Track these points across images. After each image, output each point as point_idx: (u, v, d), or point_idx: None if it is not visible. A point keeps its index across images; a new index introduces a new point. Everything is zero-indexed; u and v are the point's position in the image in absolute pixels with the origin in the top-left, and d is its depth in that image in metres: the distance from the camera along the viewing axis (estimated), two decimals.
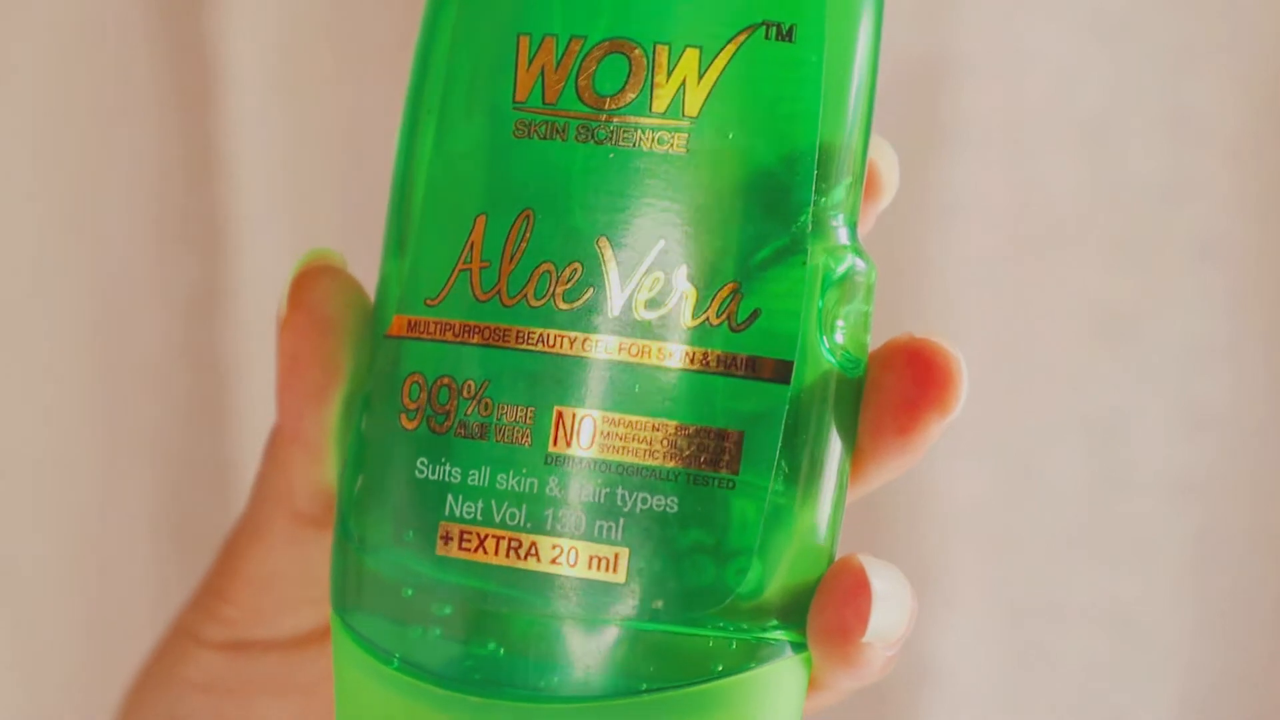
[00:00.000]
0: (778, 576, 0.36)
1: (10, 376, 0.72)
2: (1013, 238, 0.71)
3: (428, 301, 0.37)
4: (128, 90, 0.71)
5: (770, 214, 0.36)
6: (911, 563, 0.71)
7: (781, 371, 0.35)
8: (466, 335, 0.36)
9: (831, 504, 0.36)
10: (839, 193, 0.36)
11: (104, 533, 0.73)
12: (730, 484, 0.35)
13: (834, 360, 0.37)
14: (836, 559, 0.37)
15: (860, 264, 0.37)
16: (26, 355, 0.72)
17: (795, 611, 0.36)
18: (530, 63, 0.36)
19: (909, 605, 0.37)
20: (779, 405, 0.35)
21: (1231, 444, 0.72)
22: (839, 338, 0.37)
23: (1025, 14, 0.70)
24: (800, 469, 0.36)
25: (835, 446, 0.37)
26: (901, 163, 0.71)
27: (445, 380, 0.36)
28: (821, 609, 0.36)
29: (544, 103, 0.36)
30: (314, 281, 0.40)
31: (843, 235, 0.37)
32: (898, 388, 0.37)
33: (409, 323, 0.37)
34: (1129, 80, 0.70)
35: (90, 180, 0.71)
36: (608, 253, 0.35)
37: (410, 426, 0.37)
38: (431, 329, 0.37)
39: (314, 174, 0.71)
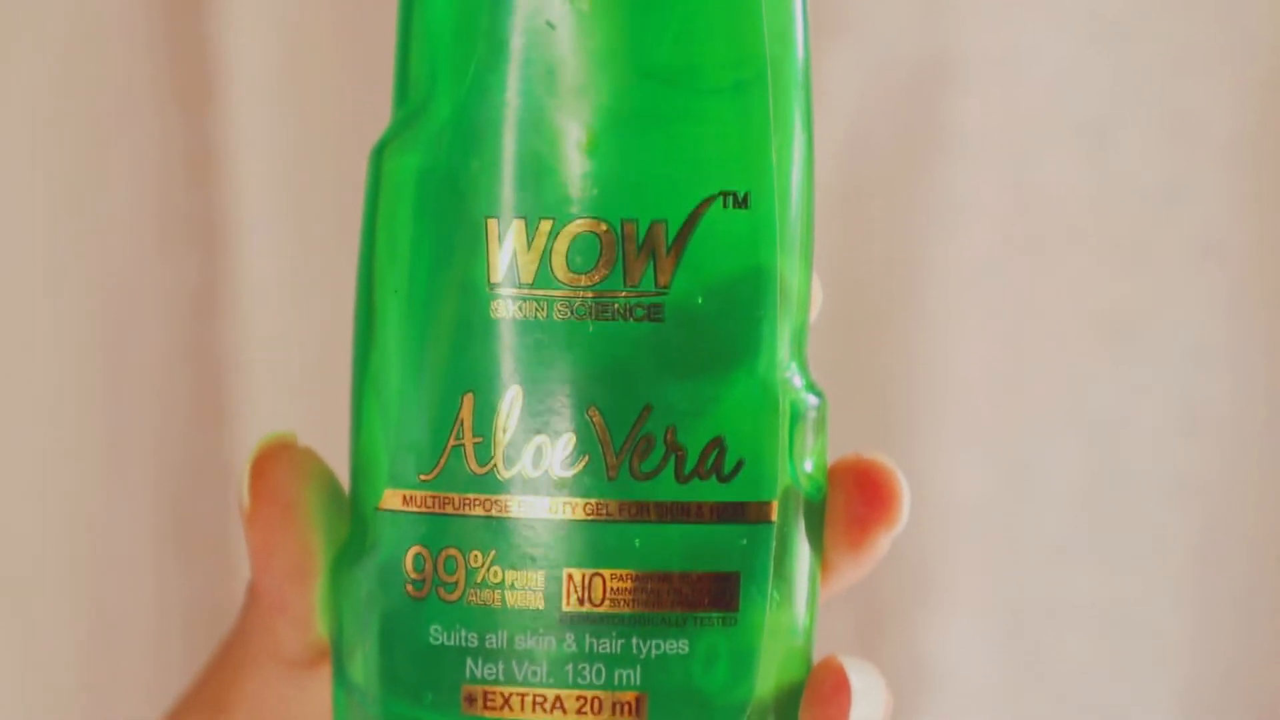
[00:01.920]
0: (768, 681, 0.39)
1: (11, 376, 0.72)
2: (1013, 238, 0.71)
3: (422, 476, 0.38)
4: (128, 90, 0.71)
5: (742, 367, 0.38)
6: (911, 563, 0.71)
7: (766, 511, 0.38)
8: (467, 508, 0.38)
9: (808, 610, 0.39)
10: (794, 335, 0.39)
11: (105, 532, 0.73)
12: (733, 620, 0.38)
13: (805, 490, 0.39)
14: (818, 660, 0.40)
15: (814, 399, 0.40)
16: (27, 355, 0.72)
17: (784, 710, 0.39)
18: (502, 245, 0.37)
19: (884, 699, 0.40)
20: (767, 541, 0.38)
21: (1231, 444, 0.72)
22: (808, 468, 0.40)
23: (1025, 15, 0.70)
24: (785, 589, 0.39)
25: (809, 562, 0.39)
26: (901, 163, 0.71)
27: (451, 551, 0.38)
28: (809, 706, 0.39)
29: (520, 283, 0.37)
30: (271, 468, 0.41)
31: (799, 376, 0.39)
32: (850, 508, 0.41)
33: (403, 497, 0.38)
34: (1128, 81, 0.70)
35: (91, 180, 0.71)
36: (599, 421, 0.37)
37: (418, 595, 0.38)
38: (429, 503, 0.38)
39: (314, 174, 0.71)
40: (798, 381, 0.39)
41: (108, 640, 0.73)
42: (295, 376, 0.71)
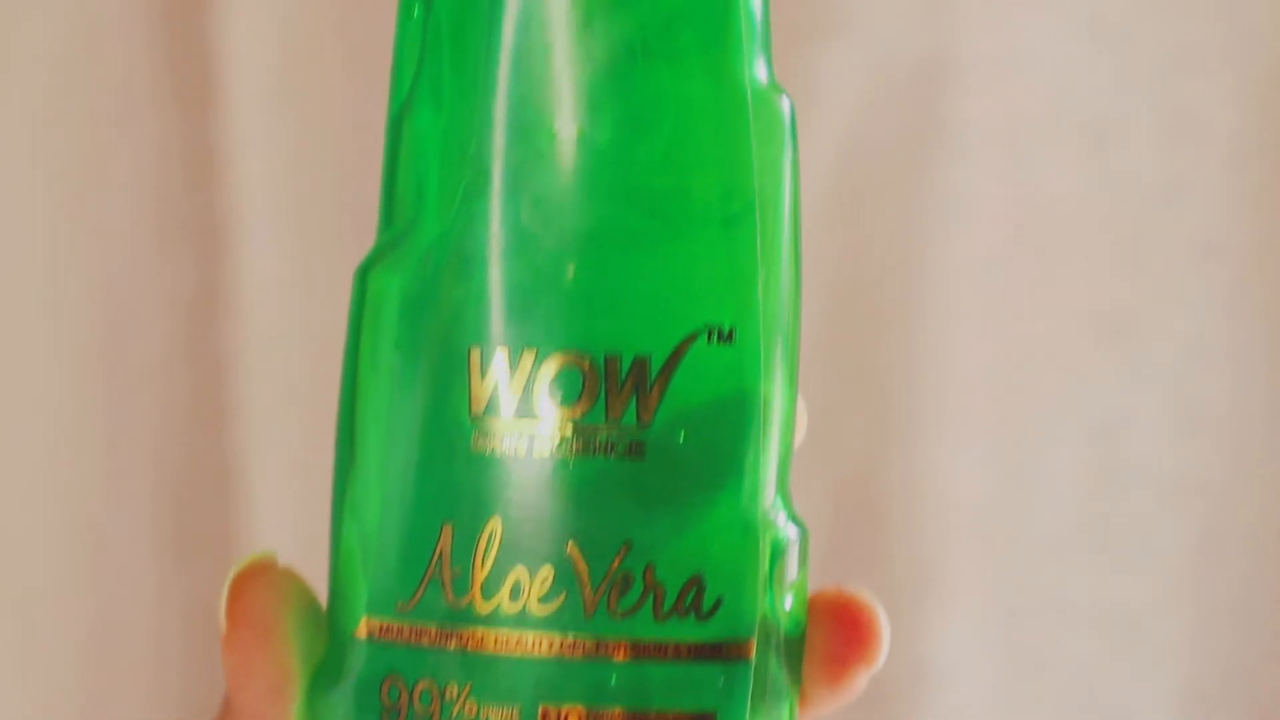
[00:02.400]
0: None
1: (11, 376, 0.72)
2: (1013, 238, 0.71)
3: (399, 606, 0.38)
4: (128, 90, 0.71)
5: (723, 504, 0.38)
6: (911, 563, 0.71)
7: (744, 649, 0.38)
8: (444, 640, 0.38)
9: None
10: (778, 466, 0.39)
11: (104, 531, 0.73)
12: None
13: (784, 626, 0.39)
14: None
15: (795, 531, 0.39)
16: (27, 355, 0.72)
17: None
18: (484, 375, 0.37)
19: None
20: (744, 680, 0.38)
21: (1231, 444, 0.72)
22: (788, 604, 0.39)
23: (1025, 15, 0.70)
24: None
25: (787, 697, 0.39)
26: (901, 163, 0.71)
27: (425, 684, 0.38)
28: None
29: (500, 415, 0.37)
30: (250, 591, 0.41)
31: (781, 509, 0.39)
32: (829, 646, 0.40)
33: (380, 626, 0.38)
34: (1128, 81, 0.70)
35: (91, 180, 0.71)
36: (578, 556, 0.37)
37: None
38: (406, 633, 0.38)
39: (314, 174, 0.71)
40: (779, 515, 0.39)
41: (108, 641, 0.73)
42: (295, 376, 0.71)
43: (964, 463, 0.71)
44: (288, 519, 0.72)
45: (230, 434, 0.72)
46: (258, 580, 0.41)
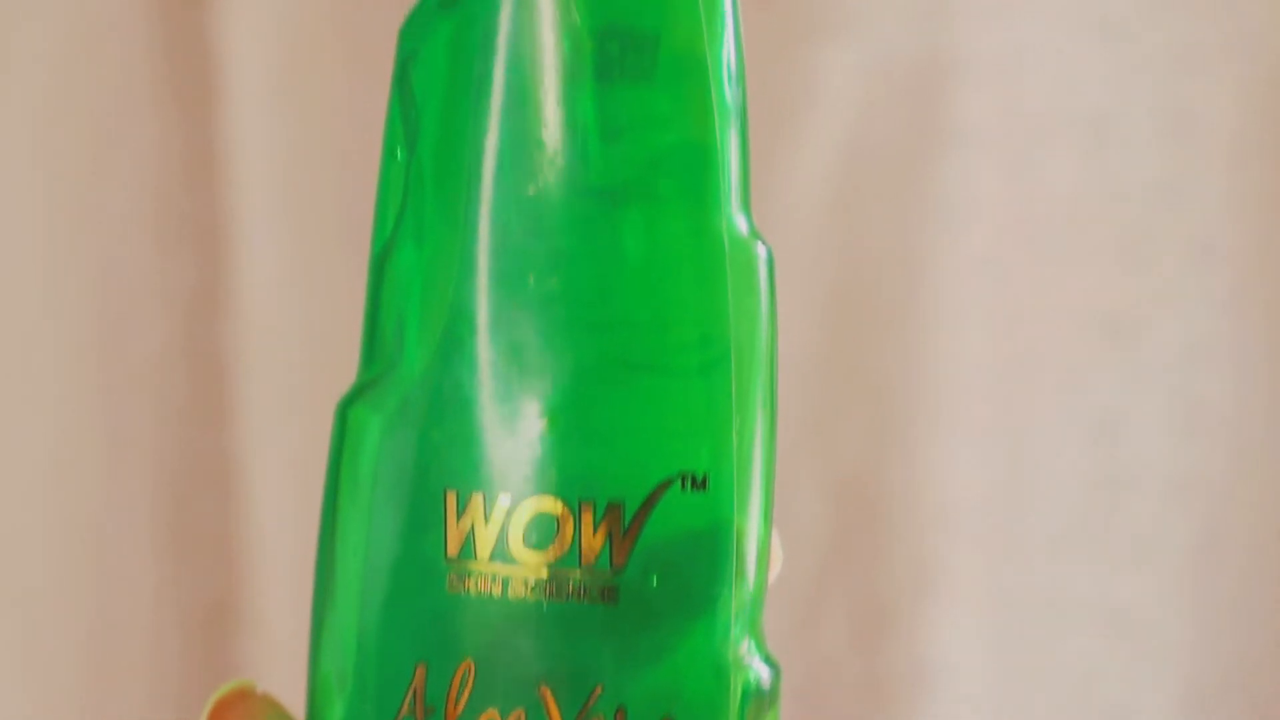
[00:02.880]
0: None
1: (11, 376, 0.72)
2: (1013, 237, 0.71)
3: None
4: (128, 90, 0.71)
5: (694, 647, 0.38)
6: (911, 563, 0.71)
7: None
8: None
9: None
10: (751, 606, 0.39)
11: (104, 531, 0.73)
12: None
13: None
14: None
15: (768, 671, 0.39)
16: (27, 355, 0.72)
17: None
18: (460, 517, 0.38)
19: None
20: None
21: (1231, 444, 0.72)
22: None
23: (1025, 14, 0.70)
24: None
25: None
26: (902, 163, 0.71)
27: None
28: None
29: (475, 557, 0.38)
30: (229, 717, 0.41)
31: (754, 650, 0.39)
32: None
33: None
34: (1129, 80, 0.70)
35: (91, 180, 0.71)
36: (550, 699, 0.37)
37: None
38: None
39: (314, 174, 0.71)
40: (751, 657, 0.39)
41: (108, 641, 0.73)
42: (295, 376, 0.71)
43: (964, 463, 0.71)
44: (287, 519, 0.72)
45: (230, 434, 0.72)
46: (237, 706, 0.41)
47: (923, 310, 0.71)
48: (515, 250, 0.37)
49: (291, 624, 0.71)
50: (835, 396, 0.70)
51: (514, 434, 0.37)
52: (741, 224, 0.38)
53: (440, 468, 0.38)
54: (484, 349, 0.37)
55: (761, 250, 0.38)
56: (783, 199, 0.70)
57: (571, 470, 0.37)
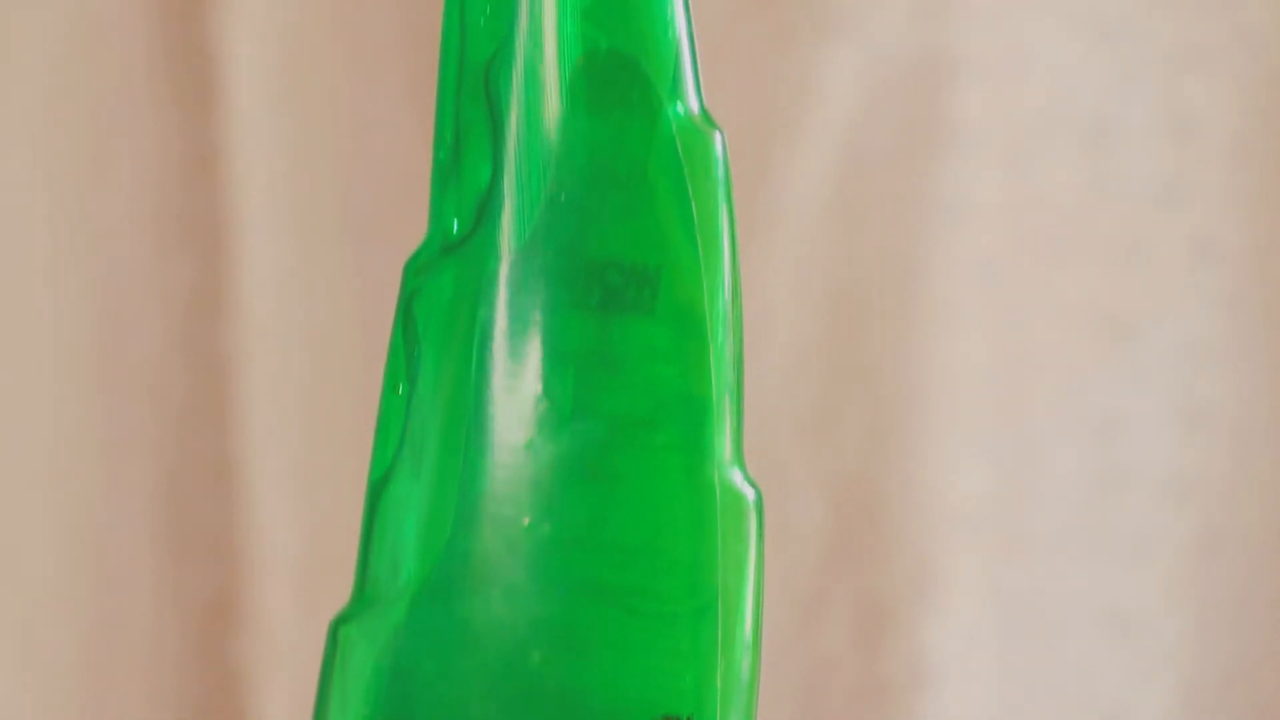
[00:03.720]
0: None
1: (10, 376, 0.72)
2: (1012, 238, 0.71)
3: None
4: (128, 90, 0.71)
5: None
6: (911, 563, 0.71)
7: None
8: None
9: None
10: None
11: (104, 532, 0.73)
12: None
13: None
14: None
15: None
16: (27, 355, 0.72)
17: None
18: None
19: None
20: None
21: (1231, 444, 0.72)
22: None
23: (1025, 14, 0.70)
24: None
25: None
26: (902, 163, 0.71)
27: None
28: None
29: None
30: None
31: None
32: None
33: None
34: (1129, 80, 0.70)
35: (91, 180, 0.71)
36: None
37: None
38: None
39: (314, 174, 0.71)
40: None
41: (108, 641, 0.73)
42: (295, 376, 0.71)
43: (964, 463, 0.71)
44: (287, 519, 0.72)
45: (230, 434, 0.72)
46: None
47: (922, 310, 0.71)
48: (510, 498, 0.38)
49: (291, 624, 0.71)
50: (835, 396, 0.70)
51: (503, 678, 0.38)
52: (736, 476, 0.38)
53: (430, 707, 0.38)
54: (474, 591, 0.38)
55: (751, 495, 0.38)
56: (782, 199, 0.70)
57: (557, 714, 0.38)
